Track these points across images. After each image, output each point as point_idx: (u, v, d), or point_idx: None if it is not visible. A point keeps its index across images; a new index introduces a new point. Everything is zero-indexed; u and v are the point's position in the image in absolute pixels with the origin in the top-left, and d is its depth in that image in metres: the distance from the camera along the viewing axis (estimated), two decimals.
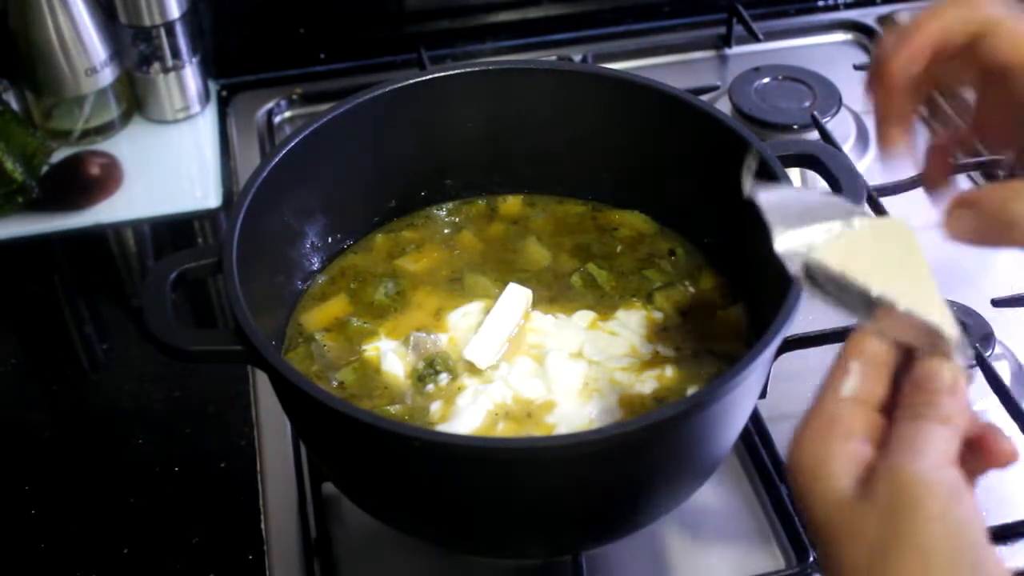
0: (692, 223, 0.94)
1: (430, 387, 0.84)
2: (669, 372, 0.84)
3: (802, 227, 0.64)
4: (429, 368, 0.85)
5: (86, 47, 1.22)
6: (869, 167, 1.20)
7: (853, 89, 1.26)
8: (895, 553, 0.52)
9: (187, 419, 0.98)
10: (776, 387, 0.95)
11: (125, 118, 1.29)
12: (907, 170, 1.13)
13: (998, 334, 0.97)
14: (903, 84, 0.71)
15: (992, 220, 0.63)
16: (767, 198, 0.66)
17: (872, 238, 0.65)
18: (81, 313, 1.12)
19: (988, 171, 1.14)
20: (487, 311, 0.88)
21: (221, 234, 1.01)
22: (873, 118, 0.74)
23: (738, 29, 1.37)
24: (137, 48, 1.27)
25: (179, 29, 1.26)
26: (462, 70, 0.93)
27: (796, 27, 1.42)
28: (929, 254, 1.05)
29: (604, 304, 0.90)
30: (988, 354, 0.95)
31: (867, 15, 1.42)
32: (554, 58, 1.35)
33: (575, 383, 0.83)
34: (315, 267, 0.93)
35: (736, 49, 1.38)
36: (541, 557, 0.86)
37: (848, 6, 1.46)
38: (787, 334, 0.73)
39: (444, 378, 0.84)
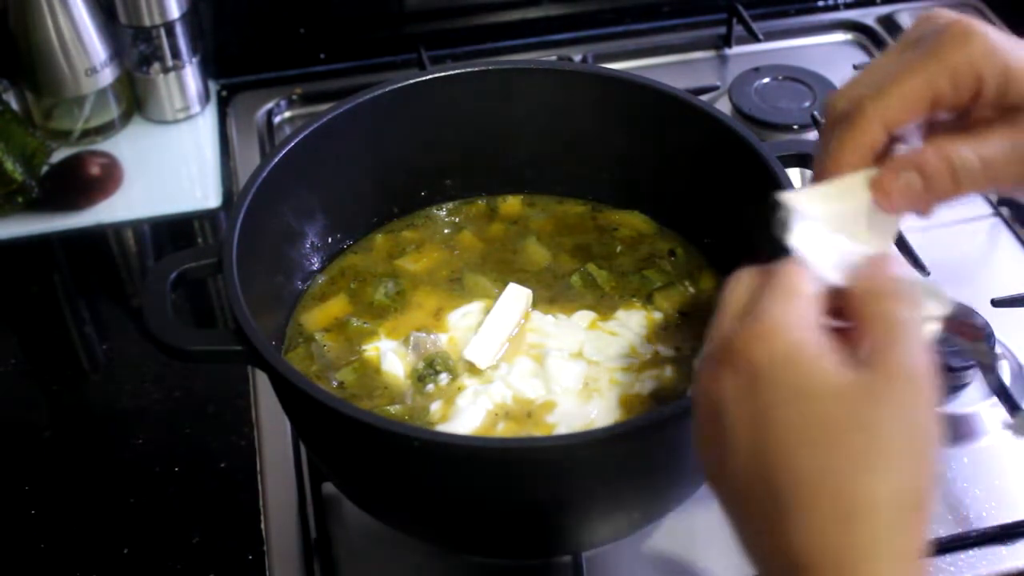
0: (692, 223, 0.94)
1: (430, 387, 0.84)
2: (669, 372, 0.84)
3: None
4: (429, 368, 0.85)
5: (86, 47, 1.22)
6: None
7: None
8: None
9: (187, 419, 0.98)
10: None
11: (125, 118, 1.29)
12: None
13: (998, 334, 0.97)
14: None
15: (939, 177, 0.62)
16: (803, 244, 0.63)
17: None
18: (81, 313, 1.12)
19: None
20: (487, 311, 0.88)
21: (221, 234, 1.01)
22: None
23: (738, 29, 1.37)
24: (137, 48, 1.27)
25: (179, 29, 1.26)
26: (462, 70, 0.93)
27: (796, 27, 1.42)
28: (930, 254, 1.06)
29: (604, 304, 0.90)
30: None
31: (867, 15, 1.43)
32: (554, 58, 1.35)
33: (575, 383, 0.83)
34: (315, 267, 0.93)
35: (736, 49, 1.38)
36: (541, 557, 0.86)
37: (848, 6, 1.46)
38: None
39: (444, 378, 0.84)
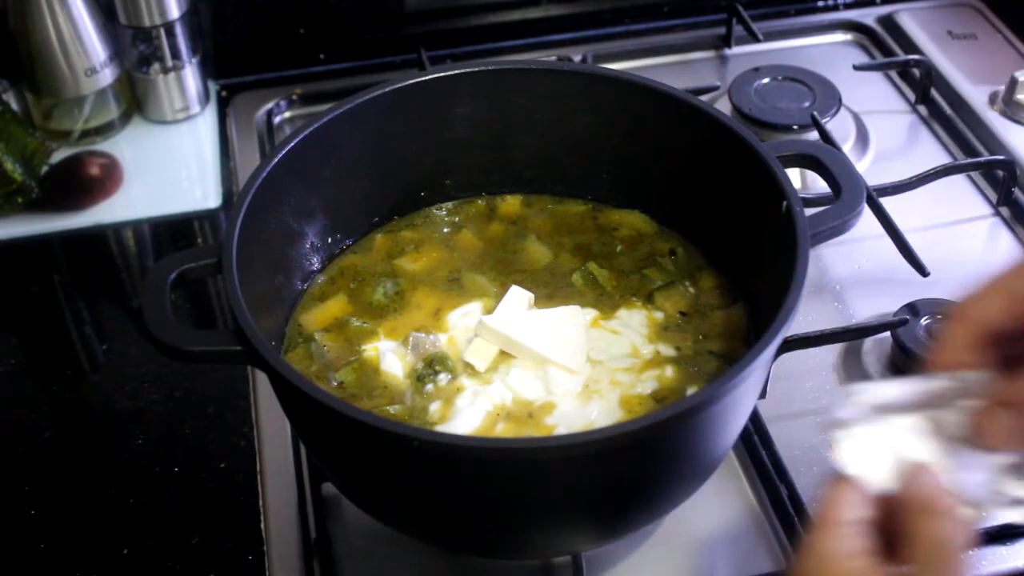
0: (692, 223, 0.94)
1: (429, 387, 0.84)
2: (669, 372, 0.84)
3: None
4: (428, 368, 0.85)
5: (86, 47, 1.22)
6: (869, 167, 1.20)
7: (853, 89, 1.26)
8: None
9: (187, 419, 0.98)
10: (776, 387, 0.95)
11: (125, 118, 1.29)
12: (906, 171, 1.13)
13: None
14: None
15: None
16: (852, 457, 0.64)
17: None
18: (81, 313, 1.12)
19: None
20: (486, 311, 0.88)
21: (221, 234, 1.01)
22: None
23: (738, 29, 1.37)
24: (137, 48, 1.27)
25: (179, 29, 1.26)
26: (462, 70, 0.93)
27: (796, 27, 1.42)
28: (930, 254, 1.06)
29: (605, 303, 0.90)
30: None
31: (867, 15, 1.43)
32: (554, 58, 1.35)
33: (575, 384, 0.83)
34: (315, 267, 0.93)
35: (736, 49, 1.38)
36: (541, 557, 0.86)
37: (848, 6, 1.46)
38: (787, 334, 0.73)
39: (443, 378, 0.84)
